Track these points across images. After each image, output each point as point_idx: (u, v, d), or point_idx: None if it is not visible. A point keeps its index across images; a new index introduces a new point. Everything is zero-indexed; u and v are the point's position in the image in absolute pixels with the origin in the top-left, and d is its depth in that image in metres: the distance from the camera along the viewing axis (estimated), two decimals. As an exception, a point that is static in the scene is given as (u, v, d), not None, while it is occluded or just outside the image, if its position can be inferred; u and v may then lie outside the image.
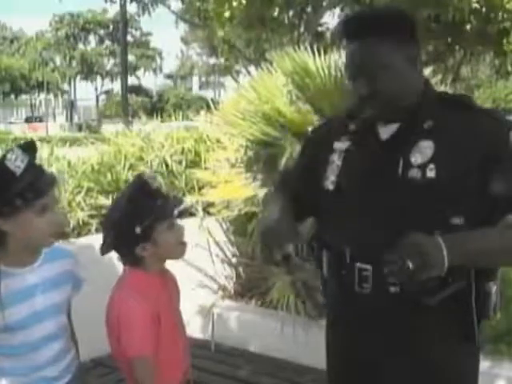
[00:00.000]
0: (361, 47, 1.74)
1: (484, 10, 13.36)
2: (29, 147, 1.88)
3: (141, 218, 1.94)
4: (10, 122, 53.23)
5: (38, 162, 1.91)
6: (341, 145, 1.88)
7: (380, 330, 1.78)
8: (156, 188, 2.01)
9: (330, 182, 1.85)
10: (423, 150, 1.71)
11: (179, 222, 2.11)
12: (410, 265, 1.52)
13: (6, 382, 1.94)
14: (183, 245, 2.07)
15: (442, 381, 1.79)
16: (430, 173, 1.68)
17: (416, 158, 1.71)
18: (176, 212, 2.07)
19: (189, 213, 5.27)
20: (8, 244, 1.89)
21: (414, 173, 1.70)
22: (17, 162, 1.79)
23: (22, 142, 2.01)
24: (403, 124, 1.77)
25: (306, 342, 4.00)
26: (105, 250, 2.00)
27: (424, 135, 1.72)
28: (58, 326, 2.02)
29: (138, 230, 1.93)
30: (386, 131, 1.80)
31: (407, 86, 1.75)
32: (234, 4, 11.08)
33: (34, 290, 1.95)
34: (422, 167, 1.69)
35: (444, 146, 1.69)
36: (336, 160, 1.86)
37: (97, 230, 4.92)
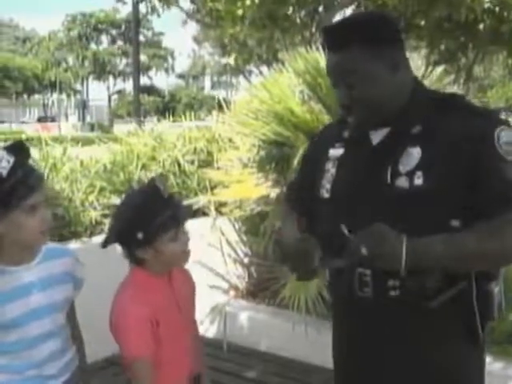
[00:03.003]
0: (339, 57, 1.72)
1: (497, 9, 13.29)
2: (16, 148, 1.90)
3: (145, 225, 1.92)
4: (22, 122, 53.58)
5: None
6: (335, 152, 1.89)
7: (382, 332, 1.78)
8: (167, 197, 1.97)
9: (325, 190, 1.86)
10: (411, 157, 1.70)
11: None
12: (364, 250, 1.54)
13: (1, 379, 1.96)
14: (186, 253, 2.04)
15: (445, 382, 1.78)
16: (418, 180, 1.67)
17: (404, 166, 1.70)
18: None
19: (201, 212, 5.29)
20: (2, 243, 1.91)
21: (402, 181, 1.69)
22: (2, 164, 1.82)
23: (7, 143, 2.03)
24: (392, 129, 1.76)
25: (317, 342, 3.98)
26: (106, 242, 1.97)
27: (412, 141, 1.71)
28: (55, 324, 2.02)
29: (140, 235, 1.91)
30: (377, 136, 1.79)
31: (390, 91, 1.73)
32: (248, 3, 11.06)
33: (30, 288, 1.96)
34: (410, 175, 1.68)
35: (432, 151, 1.68)
36: (331, 168, 1.87)
37: (109, 230, 4.94)
